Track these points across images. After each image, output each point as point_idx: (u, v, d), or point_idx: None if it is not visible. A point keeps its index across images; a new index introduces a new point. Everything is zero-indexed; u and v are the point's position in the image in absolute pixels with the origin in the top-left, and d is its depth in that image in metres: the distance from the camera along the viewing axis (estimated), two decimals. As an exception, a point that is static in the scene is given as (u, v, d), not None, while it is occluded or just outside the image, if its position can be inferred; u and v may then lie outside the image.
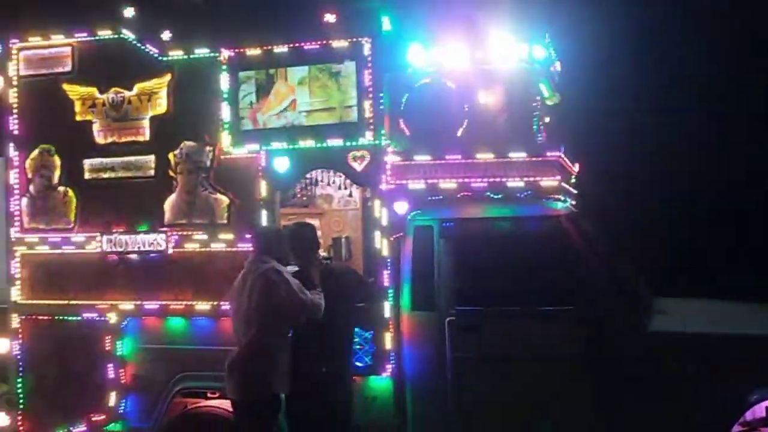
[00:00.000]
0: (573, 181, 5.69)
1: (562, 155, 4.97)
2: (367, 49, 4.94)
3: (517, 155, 4.84)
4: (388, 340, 4.87)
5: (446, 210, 4.92)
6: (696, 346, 4.46)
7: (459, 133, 4.96)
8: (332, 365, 4.50)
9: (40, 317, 5.47)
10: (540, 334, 4.65)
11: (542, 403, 4.62)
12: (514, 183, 4.84)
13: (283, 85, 5.10)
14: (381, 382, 4.90)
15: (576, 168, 5.72)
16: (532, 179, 4.83)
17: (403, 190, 4.96)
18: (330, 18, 4.96)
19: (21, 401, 5.48)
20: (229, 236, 5.15)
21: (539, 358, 4.63)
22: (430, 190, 4.96)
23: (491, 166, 4.86)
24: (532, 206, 4.83)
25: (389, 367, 4.88)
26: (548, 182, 4.83)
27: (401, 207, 4.96)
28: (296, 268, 4.82)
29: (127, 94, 5.36)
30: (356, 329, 4.84)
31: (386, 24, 4.94)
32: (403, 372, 4.89)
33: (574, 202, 5.54)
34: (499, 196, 4.86)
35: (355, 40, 4.96)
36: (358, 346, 4.88)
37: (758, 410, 4.46)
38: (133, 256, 5.29)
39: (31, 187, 5.53)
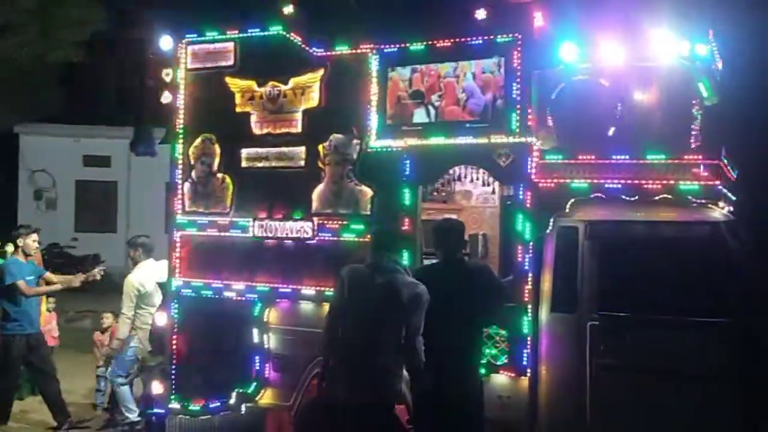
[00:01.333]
0: (732, 186, 5.35)
1: (722, 159, 4.69)
2: (517, 45, 4.90)
3: (673, 157, 4.62)
4: (525, 341, 4.81)
5: (593, 211, 4.78)
6: None
7: (610, 133, 4.81)
8: (460, 360, 4.51)
9: (195, 294, 5.87)
10: (689, 346, 4.43)
11: (687, 420, 4.40)
12: (668, 186, 4.60)
13: (431, 80, 5.16)
14: (516, 382, 4.85)
15: (735, 173, 5.37)
16: (688, 183, 4.58)
17: (549, 189, 4.87)
18: (481, 14, 4.96)
19: (174, 372, 5.90)
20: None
21: (687, 371, 4.42)
22: (576, 191, 4.83)
23: (644, 168, 4.66)
24: (688, 211, 4.60)
25: (525, 367, 4.81)
26: (706, 186, 4.56)
27: (544, 206, 4.87)
28: (435, 261, 4.89)
29: (283, 87, 5.62)
30: (493, 327, 4.82)
31: (538, 20, 4.88)
32: (540, 373, 4.81)
33: (732, 209, 5.21)
34: (650, 199, 4.65)
35: (505, 36, 4.93)
36: (493, 344, 4.86)
37: None
38: (282, 242, 5.55)
39: (193, 173, 5.94)
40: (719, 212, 4.71)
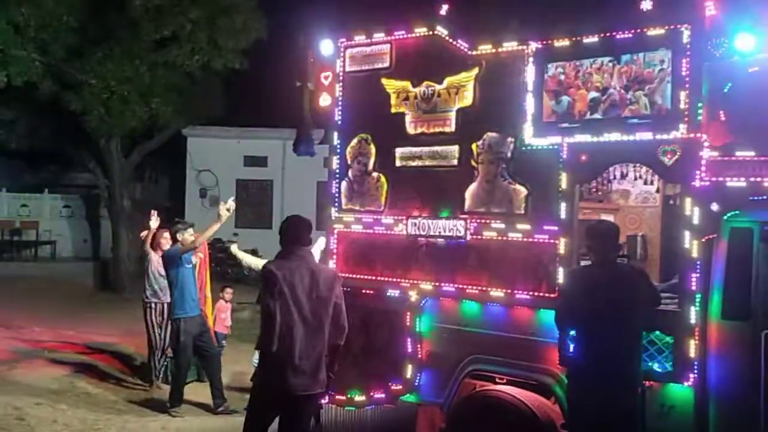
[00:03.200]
0: None
1: None
2: (685, 37, 4.64)
3: None
4: (692, 348, 4.56)
5: (771, 211, 4.44)
6: None
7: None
8: (617, 367, 4.36)
9: (350, 288, 6.05)
10: None
11: None
12: None
13: (590, 75, 5.01)
14: (681, 391, 4.60)
15: None
16: None
17: (719, 188, 4.59)
18: (647, 5, 4.74)
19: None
20: (526, 226, 5.21)
21: None
22: (751, 189, 4.52)
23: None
24: None
25: (691, 376, 4.56)
26: None
27: (716, 206, 4.59)
28: (589, 263, 4.76)
29: (437, 87, 5.68)
30: (656, 333, 4.61)
31: (710, 9, 4.59)
32: (707, 383, 4.54)
33: None
34: None
35: (672, 27, 4.69)
36: (657, 351, 4.64)
37: None
38: (435, 240, 5.61)
39: (350, 173, 6.14)
40: None
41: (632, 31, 4.84)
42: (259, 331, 4.56)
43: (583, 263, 5.10)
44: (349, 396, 5.92)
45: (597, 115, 5.01)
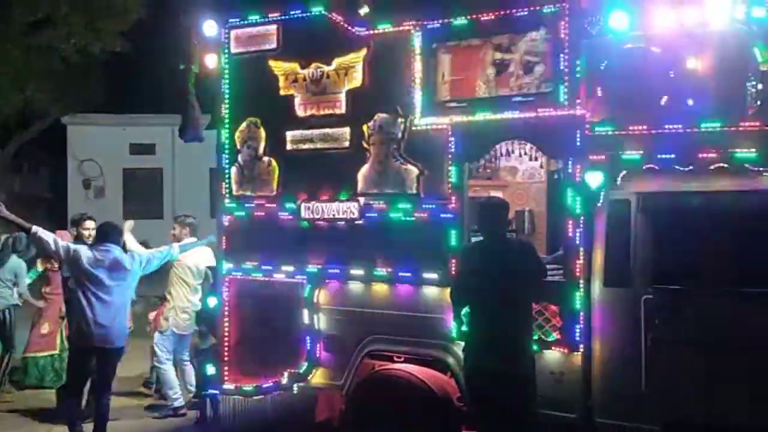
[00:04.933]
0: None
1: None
2: (563, 15, 4.78)
3: (728, 125, 4.46)
4: (578, 316, 4.75)
5: (646, 182, 4.67)
6: None
7: (663, 102, 4.68)
8: (510, 338, 4.50)
9: (245, 277, 5.94)
10: (749, 319, 4.30)
11: (745, 399, 4.30)
12: (722, 155, 4.44)
13: (476, 55, 5.09)
14: (568, 357, 4.79)
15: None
16: (743, 151, 4.43)
17: (599, 162, 4.77)
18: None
19: (226, 353, 6.00)
20: (419, 205, 5.25)
21: (746, 344, 4.30)
22: (628, 162, 4.73)
23: (697, 137, 4.52)
24: (743, 180, 4.44)
25: (578, 343, 4.75)
26: (759, 154, 4.37)
27: (595, 179, 4.78)
28: (481, 238, 4.86)
29: (326, 68, 5.61)
30: (544, 304, 4.78)
31: (583, -11, 4.76)
32: (593, 348, 4.75)
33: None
34: (690, 168, 4.49)
35: (551, 6, 4.81)
36: (545, 321, 4.81)
37: None
38: (329, 223, 5.57)
39: (239, 157, 5.98)
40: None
41: (513, 10, 4.94)
42: None
43: (474, 239, 5.21)
44: (246, 385, 5.82)
45: (483, 94, 5.10)
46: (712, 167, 4.41)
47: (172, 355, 7.05)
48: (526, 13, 4.90)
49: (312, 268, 5.63)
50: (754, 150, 4.34)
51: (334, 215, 5.56)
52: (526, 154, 5.47)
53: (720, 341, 4.36)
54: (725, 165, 4.41)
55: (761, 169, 4.35)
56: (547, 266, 4.86)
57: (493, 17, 5.02)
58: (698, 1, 4.48)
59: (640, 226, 4.65)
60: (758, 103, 4.86)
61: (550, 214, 6.25)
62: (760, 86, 5.18)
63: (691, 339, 4.42)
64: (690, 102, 4.64)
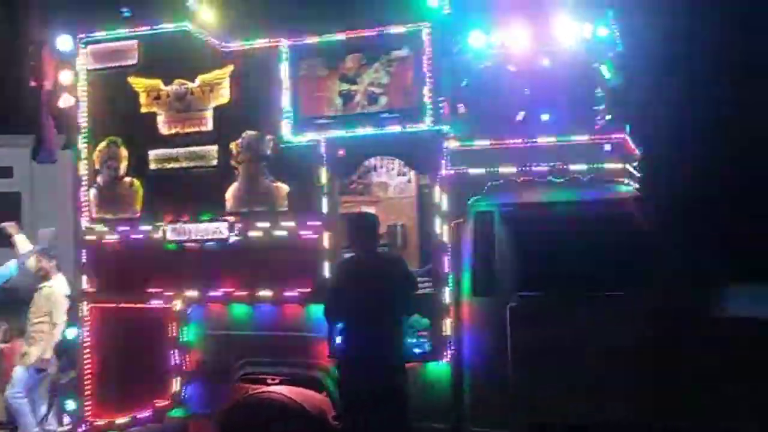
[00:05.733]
0: (637, 164, 5.53)
1: (626, 138, 4.84)
2: (425, 35, 4.90)
3: (579, 138, 4.73)
4: (447, 327, 4.84)
5: (507, 195, 4.85)
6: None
7: (519, 117, 4.90)
8: (382, 352, 4.51)
9: (107, 305, 5.63)
10: (603, 321, 4.54)
11: (607, 395, 4.52)
12: (577, 167, 4.73)
13: (344, 72, 5.11)
14: (439, 369, 4.87)
15: (640, 151, 5.56)
16: (595, 163, 4.71)
17: (463, 176, 4.92)
18: (389, 4, 4.95)
19: (88, 387, 5.64)
20: (290, 224, 5.19)
21: (603, 345, 4.52)
22: (490, 176, 4.90)
23: (553, 150, 4.76)
24: (597, 190, 4.72)
25: (448, 353, 4.84)
26: (612, 165, 4.70)
27: (460, 192, 4.91)
28: (350, 256, 4.85)
29: (190, 85, 5.46)
30: (415, 316, 4.83)
31: (445, 9, 4.90)
32: (462, 358, 4.85)
33: (638, 186, 5.39)
34: (561, 179, 4.76)
35: (412, 25, 4.93)
36: (416, 333, 4.86)
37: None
38: (197, 245, 5.39)
39: (99, 178, 5.69)
40: (626, 189, 4.86)
41: (377, 29, 5.01)
42: None
43: (346, 255, 5.20)
44: (113, 419, 5.50)
45: (351, 111, 5.12)
46: (565, 179, 4.64)
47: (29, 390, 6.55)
48: (391, 31, 4.98)
49: (180, 291, 5.42)
50: (602, 162, 4.61)
51: (202, 236, 5.39)
52: (393, 169, 5.56)
53: (578, 344, 4.55)
54: (579, 176, 4.66)
55: (611, 179, 4.64)
56: (419, 279, 4.91)
57: (359, 35, 5.07)
58: (548, 21, 4.73)
59: (503, 237, 4.81)
60: (606, 117, 5.20)
61: (421, 228, 6.36)
62: (608, 102, 5.56)
63: (552, 344, 4.60)
64: (544, 117, 4.87)
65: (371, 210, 6.37)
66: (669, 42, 9.37)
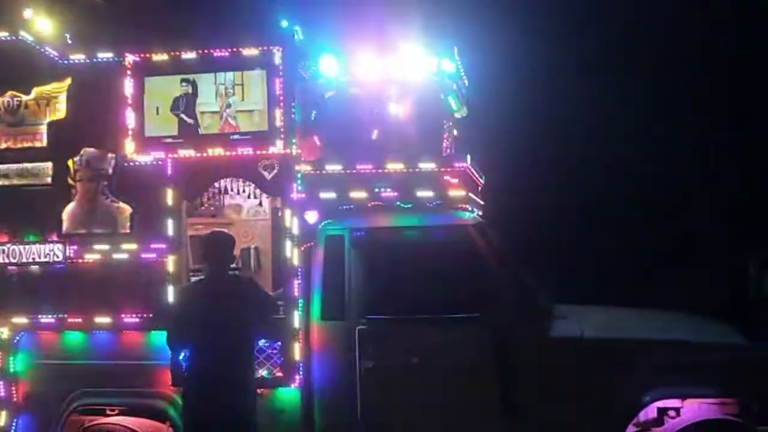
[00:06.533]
0: (479, 191, 5.83)
1: (469, 166, 5.09)
2: (278, 58, 4.89)
3: (426, 165, 4.92)
4: (297, 351, 4.82)
5: (357, 219, 4.94)
6: (592, 350, 4.65)
7: (374, 136, 5.01)
8: (232, 376, 4.40)
9: None
10: (446, 342, 4.72)
11: (450, 411, 4.68)
12: (423, 193, 4.92)
13: (191, 91, 5.00)
14: (289, 394, 4.83)
15: (482, 179, 5.87)
16: (440, 190, 4.91)
17: (314, 200, 4.95)
18: (240, 24, 4.91)
19: None
20: (132, 246, 4.98)
21: (446, 365, 4.70)
22: (340, 200, 4.96)
23: (400, 176, 4.91)
24: (440, 215, 4.93)
25: (298, 378, 4.81)
26: (456, 192, 4.92)
27: (312, 216, 4.94)
28: (202, 277, 4.72)
29: (24, 98, 5.13)
30: (264, 340, 4.77)
31: (298, 34, 4.94)
32: (312, 383, 4.84)
33: (480, 212, 5.67)
34: (410, 205, 4.92)
35: (265, 48, 4.91)
36: (266, 358, 4.80)
37: (650, 411, 4.68)
38: (28, 268, 5.03)
39: None
40: (469, 216, 5.10)
41: (229, 49, 4.95)
42: None
43: (194, 279, 5.05)
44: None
45: (200, 131, 5.01)
46: (411, 205, 4.80)
47: None
48: (243, 51, 4.93)
49: (8, 318, 5.02)
50: (447, 189, 4.82)
51: (34, 258, 5.03)
52: (244, 191, 5.47)
53: (424, 366, 4.70)
54: (426, 202, 4.84)
55: (451, 206, 4.85)
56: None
57: (207, 53, 4.98)
58: (397, 53, 4.90)
59: (354, 260, 4.88)
60: (451, 146, 5.44)
61: (275, 251, 6.29)
62: (455, 132, 5.82)
63: (399, 364, 4.71)
64: (393, 144, 5.01)
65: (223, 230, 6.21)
66: (510, 76, 10.01)
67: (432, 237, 4.84)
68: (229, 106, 4.98)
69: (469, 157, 5.04)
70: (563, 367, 4.60)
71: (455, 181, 4.87)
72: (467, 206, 5.15)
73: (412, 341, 4.76)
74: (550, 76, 10.82)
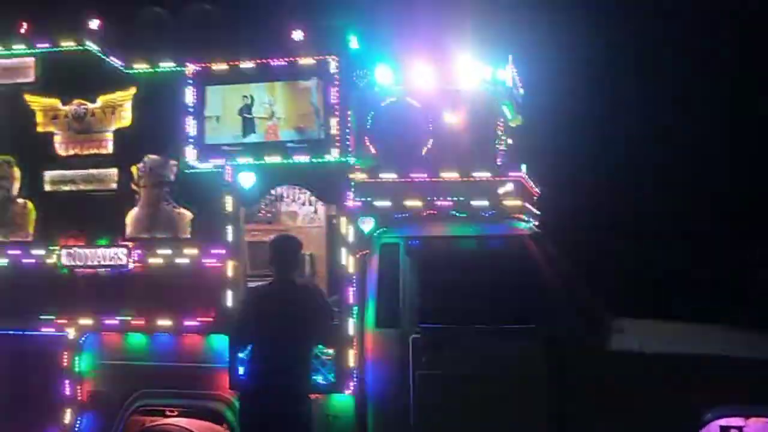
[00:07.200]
0: (535, 201, 5.78)
1: (524, 176, 5.05)
2: (333, 67, 4.95)
3: (480, 175, 4.90)
4: (351, 358, 4.86)
5: (412, 228, 4.95)
6: (652, 365, 4.55)
7: (423, 152, 5.02)
8: (290, 382, 4.47)
9: (-5, 331, 5.35)
10: (501, 353, 4.69)
11: (503, 422, 4.66)
12: (478, 202, 4.90)
13: (250, 99, 5.09)
14: (343, 400, 4.88)
15: (538, 189, 5.81)
16: (495, 199, 4.88)
17: (369, 208, 4.98)
18: (298, 35, 4.98)
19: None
20: (193, 251, 5.10)
21: (500, 376, 4.67)
22: (395, 208, 4.98)
23: (455, 186, 4.90)
24: (496, 225, 4.90)
25: (352, 384, 4.86)
26: (511, 202, 4.89)
27: (367, 224, 4.97)
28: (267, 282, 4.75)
29: (90, 106, 5.31)
30: (319, 347, 4.83)
31: (353, 43, 4.98)
32: (366, 390, 4.88)
33: (536, 222, 5.62)
34: (465, 214, 4.91)
35: (322, 57, 4.97)
36: (320, 364, 4.86)
37: (713, 428, 4.55)
38: (94, 271, 5.21)
39: (-10, 199, 5.42)
40: (525, 226, 5.06)
41: (286, 59, 5.02)
42: None
43: (251, 285, 5.14)
44: (-6, 454, 5.22)
45: (258, 139, 5.10)
46: (466, 214, 4.79)
47: None
48: (299, 61, 5.00)
49: (73, 319, 5.21)
50: (502, 199, 4.80)
51: (99, 262, 5.21)
52: (300, 199, 5.55)
53: (477, 375, 4.69)
54: (481, 212, 4.82)
55: (506, 216, 4.83)
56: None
57: (265, 63, 5.06)
58: (451, 62, 4.89)
59: (407, 269, 4.90)
60: (506, 155, 5.40)
61: (329, 258, 6.36)
62: (509, 141, 5.78)
63: (453, 374, 4.71)
64: (447, 153, 5.00)
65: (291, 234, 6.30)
66: (566, 85, 9.88)
67: (487, 247, 4.81)
68: (285, 114, 5.05)
69: (524, 166, 5.01)
70: (621, 382, 4.51)
71: (510, 190, 4.84)
72: (523, 216, 5.11)
73: (465, 351, 4.74)
74: (610, 83, 10.64)
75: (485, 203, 4.88)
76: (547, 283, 4.72)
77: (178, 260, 5.12)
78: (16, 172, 5.41)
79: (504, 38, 5.31)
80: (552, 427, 4.61)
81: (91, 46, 5.30)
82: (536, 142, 6.40)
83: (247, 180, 5.06)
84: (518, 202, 4.90)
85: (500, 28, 5.28)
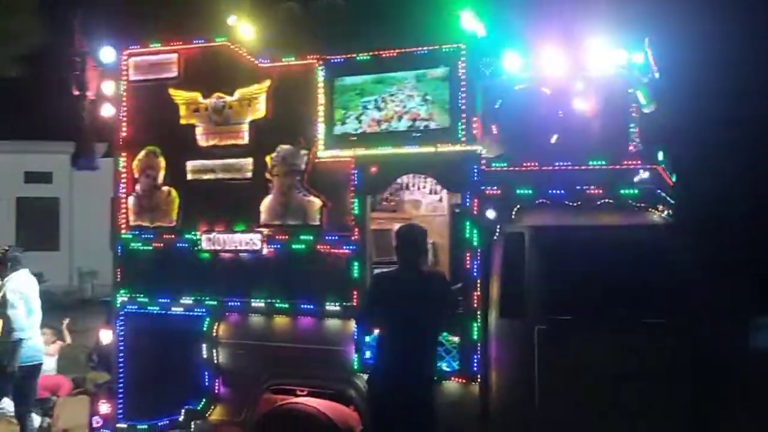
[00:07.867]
0: (670, 191, 5.51)
1: (660, 164, 4.83)
2: (460, 56, 4.96)
3: (613, 164, 4.73)
4: (475, 346, 4.85)
5: (539, 217, 4.86)
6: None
7: (553, 140, 4.92)
8: (416, 367, 4.52)
9: (141, 310, 5.75)
10: (632, 347, 4.52)
11: (632, 419, 4.50)
12: (608, 192, 4.70)
13: (378, 89, 5.19)
14: (467, 388, 4.88)
15: (674, 177, 5.54)
16: (627, 189, 4.70)
17: (495, 197, 4.94)
18: (426, 24, 5.01)
19: (121, 390, 5.76)
20: (322, 237, 5.26)
21: (630, 371, 4.51)
22: (521, 197, 4.91)
23: (585, 174, 4.76)
24: (628, 216, 4.71)
25: (476, 372, 4.85)
26: (645, 192, 4.68)
27: (492, 213, 4.93)
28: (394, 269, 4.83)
29: (228, 99, 5.58)
30: (444, 333, 4.85)
31: (481, 30, 4.95)
32: (489, 377, 4.86)
33: (671, 212, 5.36)
34: (577, 203, 4.73)
35: (449, 45, 4.98)
36: (445, 351, 4.89)
37: None
38: (230, 255, 5.49)
39: (138, 187, 5.83)
40: (658, 216, 4.85)
41: (414, 48, 5.08)
42: None
43: (377, 271, 5.25)
44: (141, 423, 5.60)
45: (384, 128, 5.19)
46: (598, 203, 4.64)
47: None
48: (425, 50, 5.04)
49: (212, 300, 5.52)
50: (635, 187, 4.61)
51: (235, 246, 5.49)
52: (424, 187, 5.59)
53: (604, 369, 4.55)
54: (610, 201, 4.66)
55: (642, 204, 4.63)
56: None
57: (394, 53, 5.14)
58: (583, 47, 4.75)
59: (533, 259, 4.82)
60: (639, 142, 5.19)
61: (452, 247, 6.38)
62: (642, 127, 5.54)
63: (579, 368, 4.59)
64: (577, 141, 4.87)
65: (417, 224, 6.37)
66: (704, 68, 9.32)
67: (619, 237, 4.64)
68: (412, 103, 5.11)
69: (661, 154, 4.79)
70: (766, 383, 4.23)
71: (644, 178, 4.64)
72: (658, 206, 4.89)
73: (592, 344, 4.61)
74: (755, 63, 9.93)
75: (629, 191, 4.65)
76: (686, 277, 4.49)
77: (310, 246, 5.29)
78: (161, 162, 5.77)
79: (641, 20, 5.07)
80: (686, 428, 4.39)
81: (230, 42, 5.58)
82: (673, 129, 6.09)
83: (374, 169, 5.16)
84: (652, 192, 4.69)
85: (636, 8, 5.04)
